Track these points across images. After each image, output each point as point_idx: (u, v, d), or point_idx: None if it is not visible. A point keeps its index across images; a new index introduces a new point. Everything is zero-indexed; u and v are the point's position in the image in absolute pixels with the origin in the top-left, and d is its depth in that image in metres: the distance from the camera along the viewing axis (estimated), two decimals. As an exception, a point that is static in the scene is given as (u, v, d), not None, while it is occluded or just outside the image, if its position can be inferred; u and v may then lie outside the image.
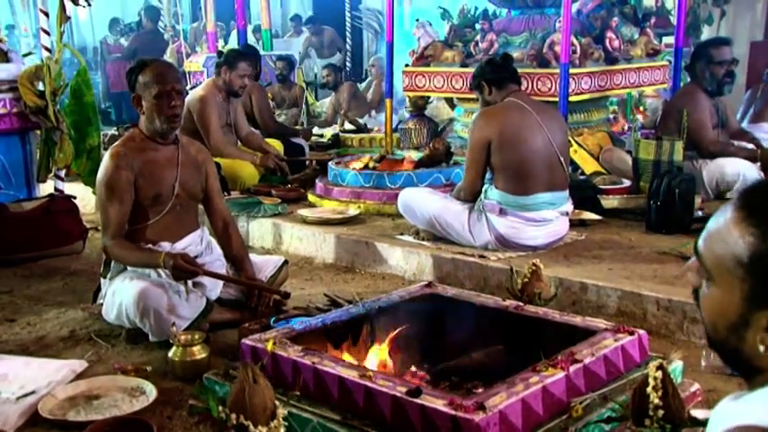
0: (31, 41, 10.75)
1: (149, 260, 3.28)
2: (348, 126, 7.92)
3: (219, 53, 6.02)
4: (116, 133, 6.94)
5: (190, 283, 3.31)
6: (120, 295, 3.27)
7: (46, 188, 5.45)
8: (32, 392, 2.74)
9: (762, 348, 1.16)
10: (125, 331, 3.35)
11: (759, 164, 5.13)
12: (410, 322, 2.83)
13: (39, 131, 5.28)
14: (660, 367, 2.01)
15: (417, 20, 6.68)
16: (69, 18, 5.25)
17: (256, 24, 10.48)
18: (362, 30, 12.93)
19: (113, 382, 2.86)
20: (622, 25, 6.01)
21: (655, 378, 2.00)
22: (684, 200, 4.49)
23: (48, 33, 5.29)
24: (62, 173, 5.35)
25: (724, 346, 1.25)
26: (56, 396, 2.74)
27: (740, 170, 5.02)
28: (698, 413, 2.08)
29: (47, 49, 5.22)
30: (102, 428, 2.46)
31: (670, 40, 6.91)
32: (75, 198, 5.10)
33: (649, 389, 2.00)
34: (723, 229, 1.22)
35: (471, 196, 4.18)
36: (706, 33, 8.81)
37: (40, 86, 5.05)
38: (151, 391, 2.74)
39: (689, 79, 5.46)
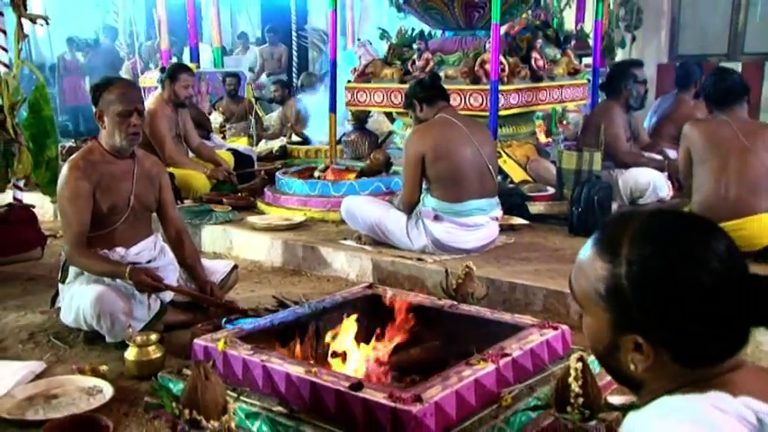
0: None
1: (114, 272, 3.22)
2: (295, 138, 7.89)
3: (163, 69, 5.94)
4: (74, 145, 6.77)
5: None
6: (78, 299, 3.20)
7: (5, 198, 5.29)
8: (-9, 393, 2.67)
9: (632, 367, 1.20)
10: (83, 333, 3.28)
11: (666, 173, 5.28)
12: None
13: (-3, 144, 5.12)
14: (580, 359, 2.06)
15: (359, 39, 6.67)
16: (27, 36, 5.11)
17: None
18: (308, 48, 12.87)
19: (72, 381, 2.81)
20: (546, 46, 6.11)
21: (575, 369, 2.04)
22: (603, 206, 4.60)
23: (5, 50, 5.15)
24: (21, 183, 5.20)
25: (607, 365, 1.28)
26: (14, 396, 2.68)
27: (651, 179, 5.16)
28: (613, 399, 2.14)
29: (5, 65, 5.08)
30: (60, 426, 2.40)
31: (588, 60, 7.05)
32: (33, 207, 4.96)
33: (571, 379, 2.04)
34: (584, 263, 1.24)
35: (409, 209, 4.19)
36: (620, 55, 9.02)
37: (-1, 101, 4.90)
38: (108, 390, 2.70)
39: (605, 96, 5.57)
